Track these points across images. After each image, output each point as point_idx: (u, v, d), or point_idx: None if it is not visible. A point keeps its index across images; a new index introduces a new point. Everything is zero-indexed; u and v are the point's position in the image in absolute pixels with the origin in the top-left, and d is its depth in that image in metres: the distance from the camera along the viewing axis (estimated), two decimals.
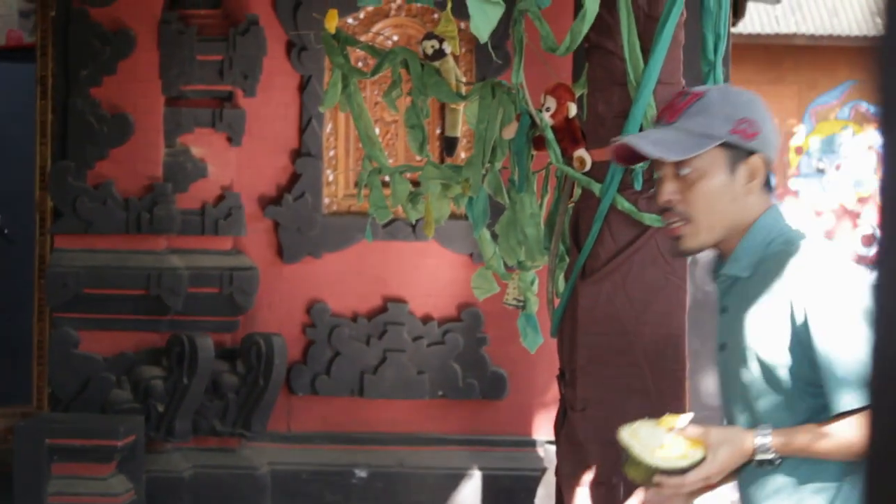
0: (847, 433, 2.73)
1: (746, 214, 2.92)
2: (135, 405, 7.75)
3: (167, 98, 7.94)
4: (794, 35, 15.51)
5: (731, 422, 3.01)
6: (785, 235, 2.90)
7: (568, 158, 4.52)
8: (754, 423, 2.88)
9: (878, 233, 1.24)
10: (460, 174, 5.07)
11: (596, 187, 4.36)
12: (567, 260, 4.68)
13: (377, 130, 6.21)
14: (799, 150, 15.99)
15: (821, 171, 15.94)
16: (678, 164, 2.90)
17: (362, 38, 7.50)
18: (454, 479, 7.90)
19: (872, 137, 15.92)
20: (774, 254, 2.85)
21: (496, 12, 4.06)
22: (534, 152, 4.82)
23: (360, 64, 7.20)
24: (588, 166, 4.45)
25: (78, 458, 7.23)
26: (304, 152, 7.99)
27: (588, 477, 4.25)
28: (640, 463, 2.80)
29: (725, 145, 2.88)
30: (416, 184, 5.39)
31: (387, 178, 5.46)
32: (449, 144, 5.70)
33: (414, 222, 6.16)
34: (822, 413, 2.78)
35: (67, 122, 7.91)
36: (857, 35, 15.56)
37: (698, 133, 2.88)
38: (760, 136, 2.90)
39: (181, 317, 7.82)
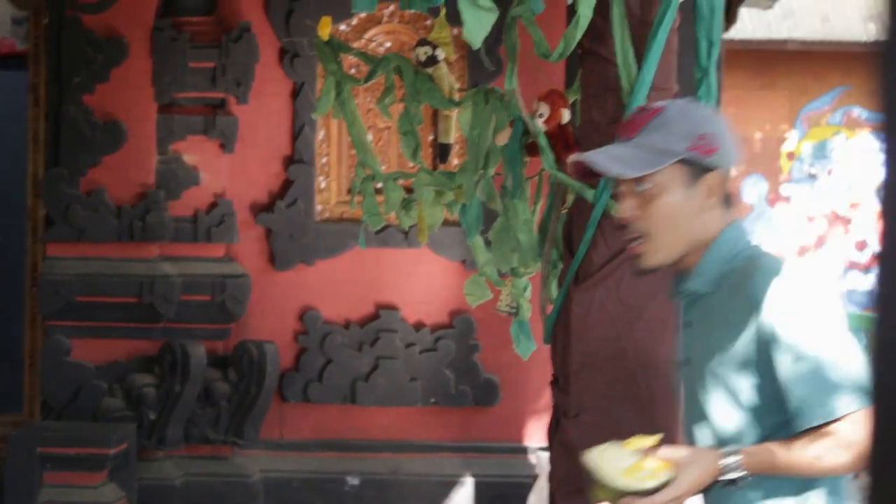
0: (816, 448, 2.71)
1: (706, 230, 2.90)
2: (127, 413, 7.74)
3: (160, 105, 7.93)
4: (786, 41, 15.50)
5: (693, 437, 2.99)
6: (747, 251, 2.88)
7: (561, 164, 4.52)
8: (717, 439, 2.87)
9: (878, 237, 1.23)
10: (453, 181, 5.07)
11: (589, 193, 4.36)
12: (560, 266, 4.68)
13: (370, 137, 6.21)
14: (791, 156, 15.99)
15: (813, 177, 15.93)
16: (637, 181, 2.88)
17: (355, 45, 7.50)
18: (447, 486, 7.89)
19: (865, 143, 15.93)
20: (737, 270, 2.84)
21: (489, 18, 4.06)
22: (527, 158, 4.83)
23: (352, 70, 7.20)
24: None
25: (70, 467, 7.21)
26: (297, 159, 7.98)
27: (581, 484, 4.25)
28: (607, 485, 2.79)
29: (684, 161, 2.86)
30: (409, 190, 5.39)
31: (380, 185, 5.46)
32: (442, 151, 5.69)
33: (407, 229, 6.15)
34: (784, 429, 2.77)
35: (60, 130, 7.89)
36: (850, 41, 15.57)
37: (656, 149, 2.86)
38: (720, 152, 2.89)
39: (173, 324, 7.81)
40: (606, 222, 4.34)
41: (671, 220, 2.88)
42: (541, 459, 7.74)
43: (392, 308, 8.01)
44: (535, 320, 5.03)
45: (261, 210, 8.01)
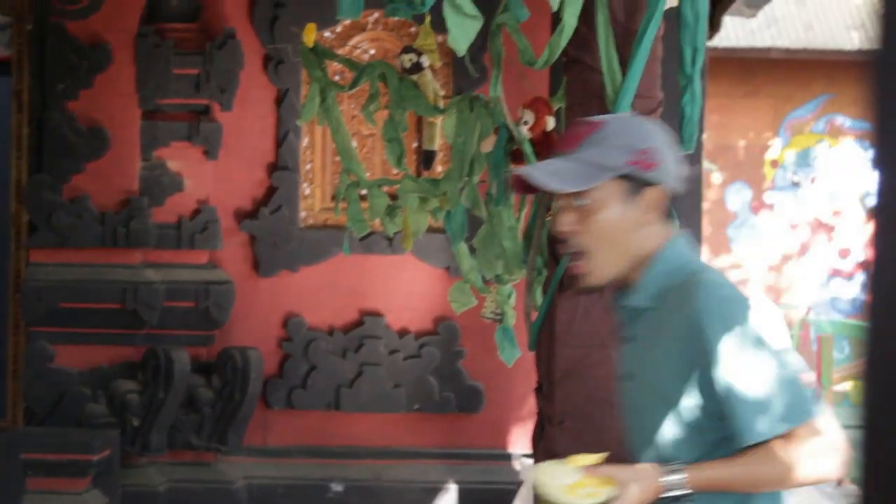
0: (759, 464, 2.71)
1: (646, 245, 2.88)
2: (110, 419, 7.72)
3: (144, 112, 7.92)
4: (770, 49, 15.56)
5: (635, 452, 2.98)
6: (688, 267, 2.86)
7: None
8: (659, 456, 2.86)
9: (870, 244, 1.24)
10: (438, 188, 5.07)
11: None
12: (545, 273, 4.68)
13: (354, 144, 6.22)
14: (774, 164, 16.04)
15: (796, 185, 15.98)
16: (576, 195, 2.85)
17: (339, 52, 7.50)
18: (430, 493, 7.89)
19: (848, 150, 15.98)
20: (680, 286, 2.81)
21: (474, 26, 4.07)
22: (511, 166, 4.83)
23: (337, 77, 7.20)
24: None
25: (53, 473, 7.20)
26: (281, 166, 7.98)
27: None
28: (550, 502, 2.78)
29: (624, 176, 2.84)
30: (393, 197, 5.39)
31: (364, 192, 5.46)
32: (427, 158, 5.70)
33: (391, 236, 6.16)
34: (726, 445, 2.76)
35: (43, 136, 7.88)
36: (833, 49, 15.62)
37: (595, 164, 2.83)
38: (660, 167, 2.85)
39: (157, 331, 7.79)
40: None
41: (610, 235, 2.85)
42: (525, 466, 7.74)
43: (376, 315, 8.01)
44: (519, 327, 5.04)
45: (245, 217, 8.01)
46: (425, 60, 5.11)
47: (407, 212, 5.24)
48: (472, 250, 5.04)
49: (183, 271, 7.89)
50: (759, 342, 2.71)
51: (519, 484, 7.75)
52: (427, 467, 7.95)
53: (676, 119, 4.50)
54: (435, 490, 7.89)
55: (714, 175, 15.85)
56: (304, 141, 8.03)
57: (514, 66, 4.60)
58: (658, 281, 2.87)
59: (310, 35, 5.22)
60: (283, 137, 7.97)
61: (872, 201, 1.24)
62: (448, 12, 4.05)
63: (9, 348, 8.18)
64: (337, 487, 7.85)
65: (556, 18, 4.23)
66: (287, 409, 7.99)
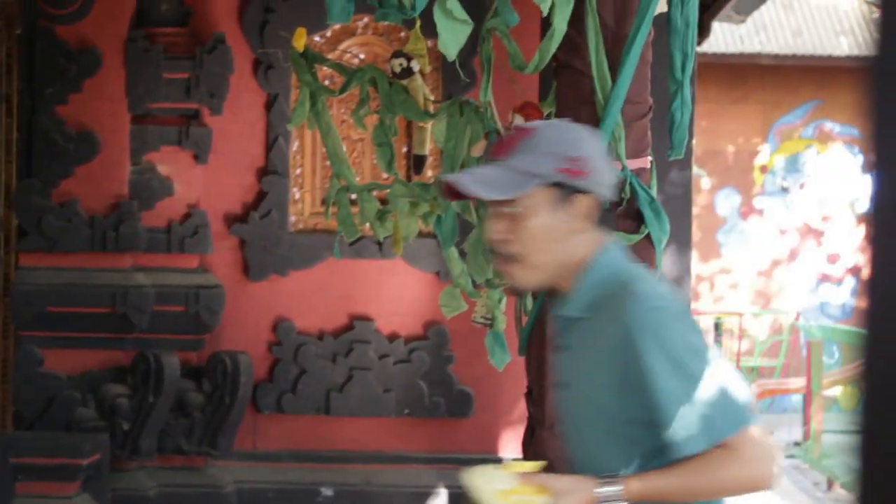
0: (694, 475, 2.71)
1: (577, 253, 2.88)
2: (100, 423, 7.71)
3: (133, 116, 7.92)
4: (759, 55, 15.59)
5: (573, 461, 2.98)
6: (620, 275, 2.84)
7: None
8: (594, 465, 2.85)
9: (867, 252, 1.25)
10: (428, 192, 5.08)
11: None
12: None
13: (344, 148, 6.22)
14: (763, 169, 16.07)
15: (785, 190, 16.01)
16: (506, 203, 2.85)
17: (329, 57, 7.50)
18: (420, 498, 7.89)
19: (837, 156, 16.02)
20: (612, 296, 2.80)
21: (464, 30, 4.07)
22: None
23: (327, 82, 7.20)
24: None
25: (43, 477, 7.19)
26: (271, 170, 7.98)
27: None
28: None
29: (554, 184, 2.82)
30: (384, 202, 5.39)
31: (354, 196, 5.46)
32: (417, 162, 5.70)
33: (381, 240, 6.15)
34: (660, 456, 2.75)
35: (33, 141, 7.88)
36: (822, 55, 15.66)
37: (524, 171, 2.82)
38: (591, 175, 2.84)
39: (147, 335, 7.79)
40: None
41: (539, 243, 2.84)
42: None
43: (366, 319, 8.01)
44: (509, 332, 5.04)
45: (235, 221, 8.01)
46: (415, 65, 5.12)
47: (397, 216, 5.25)
48: (463, 255, 5.05)
49: (173, 275, 7.89)
50: (690, 353, 2.72)
51: None
52: (417, 472, 7.96)
53: (666, 124, 4.51)
54: (425, 495, 7.89)
55: (703, 180, 15.87)
56: (294, 145, 8.04)
57: (503, 70, 4.61)
58: (590, 290, 2.86)
59: (300, 39, 5.23)
60: (273, 142, 7.97)
61: (868, 206, 1.25)
62: (438, 17, 4.06)
63: None
64: (327, 492, 7.84)
65: (546, 23, 4.24)
66: (277, 413, 7.99)
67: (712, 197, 16.02)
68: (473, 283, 5.10)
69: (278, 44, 7.76)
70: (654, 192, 4.51)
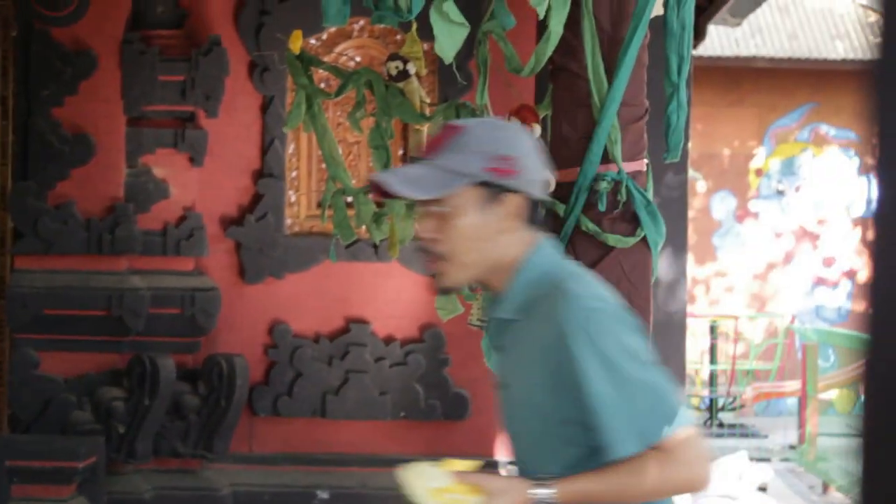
0: (628, 477, 2.70)
1: (507, 253, 2.85)
2: (96, 426, 7.71)
3: (129, 118, 7.92)
4: (754, 58, 15.61)
5: (518, 461, 2.98)
6: (553, 275, 2.81)
7: None
8: (532, 466, 2.85)
9: (871, 254, 1.25)
10: None
11: (560, 208, 4.37)
12: None
13: (340, 151, 6.21)
14: (759, 172, 16.08)
15: (780, 193, 16.02)
16: (435, 202, 2.82)
17: (325, 59, 7.50)
18: None
19: (832, 159, 16.03)
20: (543, 296, 2.78)
21: (461, 33, 4.08)
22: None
23: (323, 85, 7.20)
24: (552, 187, 4.46)
25: (38, 480, 7.18)
26: (267, 173, 7.98)
27: None
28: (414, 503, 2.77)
29: (482, 183, 2.80)
30: (380, 205, 5.39)
31: (350, 199, 5.46)
32: None
33: (378, 243, 6.16)
34: (596, 457, 2.74)
35: (28, 143, 7.88)
36: (817, 59, 15.68)
37: (451, 170, 2.80)
38: (521, 174, 2.82)
39: (142, 338, 7.79)
40: (577, 238, 4.35)
41: (467, 242, 2.82)
42: (511, 473, 7.75)
43: (362, 322, 8.01)
44: None
45: (230, 224, 8.01)
46: (412, 68, 5.11)
47: (393, 219, 5.24)
48: None
49: (168, 278, 7.88)
50: (623, 354, 2.70)
51: None
52: None
53: (662, 128, 4.52)
54: None
55: (699, 183, 15.88)
56: (290, 148, 8.04)
57: (500, 73, 4.61)
58: (522, 291, 2.84)
59: (296, 42, 5.22)
60: (269, 145, 7.97)
61: (870, 209, 1.24)
62: (435, 20, 4.06)
63: None
64: (323, 495, 7.84)
65: (543, 26, 4.24)
66: (273, 416, 7.99)
67: (708, 200, 16.03)
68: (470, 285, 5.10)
69: (274, 46, 7.77)
70: (650, 194, 4.51)
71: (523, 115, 4.67)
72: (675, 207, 7.74)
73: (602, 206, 4.33)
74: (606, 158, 4.37)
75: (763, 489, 9.90)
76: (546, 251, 2.89)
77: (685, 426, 2.70)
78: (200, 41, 7.91)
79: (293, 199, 8.06)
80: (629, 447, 2.68)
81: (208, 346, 7.93)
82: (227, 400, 7.74)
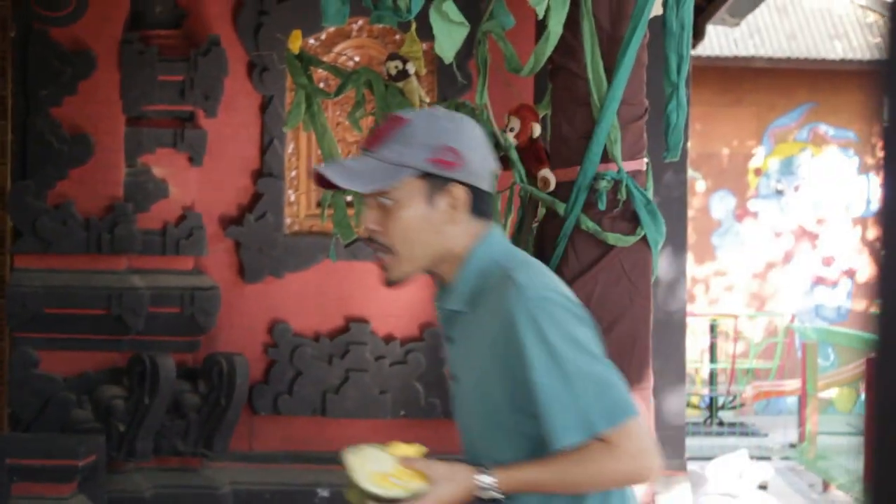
0: (571, 467, 2.70)
1: (453, 245, 2.84)
2: (96, 425, 7.71)
3: (128, 118, 7.92)
4: (753, 58, 15.61)
5: (465, 452, 2.97)
6: (500, 265, 2.80)
7: (532, 178, 4.55)
8: (483, 456, 2.85)
9: (878, 252, 1.25)
10: None
11: (560, 207, 4.38)
12: None
13: (340, 150, 6.21)
14: (758, 172, 16.09)
15: (780, 193, 16.03)
16: (379, 194, 2.81)
17: (324, 59, 7.51)
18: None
19: (831, 159, 16.04)
20: (490, 287, 2.78)
21: (461, 33, 4.08)
22: (498, 173, 4.83)
23: (322, 84, 7.21)
24: (552, 186, 4.47)
25: (39, 478, 7.18)
26: (266, 172, 7.99)
27: None
28: (356, 486, 2.76)
29: (425, 175, 2.79)
30: None
31: (350, 198, 5.47)
32: None
33: None
34: (543, 449, 2.73)
35: (27, 143, 7.88)
36: (816, 58, 15.69)
37: (393, 162, 2.78)
38: (464, 165, 2.80)
39: (142, 336, 7.79)
40: (578, 236, 4.36)
41: (410, 234, 2.81)
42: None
43: (362, 321, 8.01)
44: None
45: (230, 223, 8.01)
46: (411, 67, 5.11)
47: None
48: None
49: (168, 277, 7.89)
50: (570, 344, 2.69)
51: None
52: None
53: (661, 127, 4.52)
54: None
55: (698, 183, 15.89)
56: (290, 148, 8.04)
57: (499, 72, 4.62)
58: (470, 282, 2.84)
59: (295, 42, 5.23)
60: (268, 144, 7.98)
61: (878, 208, 1.25)
62: (434, 19, 4.07)
63: None
64: (323, 493, 7.84)
65: (542, 26, 4.25)
66: (273, 414, 7.99)
67: (707, 199, 16.04)
68: None
69: (273, 46, 7.78)
70: (650, 193, 4.52)
71: (523, 114, 4.68)
72: (675, 207, 7.75)
73: (602, 205, 4.34)
74: (606, 158, 4.38)
75: (763, 487, 9.92)
76: (494, 242, 2.87)
77: (632, 418, 2.68)
78: (199, 41, 7.91)
79: (293, 198, 8.07)
80: (572, 437, 2.67)
81: (208, 345, 7.94)
82: (228, 398, 7.74)
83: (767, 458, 11.52)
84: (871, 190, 15.72)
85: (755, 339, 15.61)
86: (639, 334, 4.38)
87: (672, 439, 7.78)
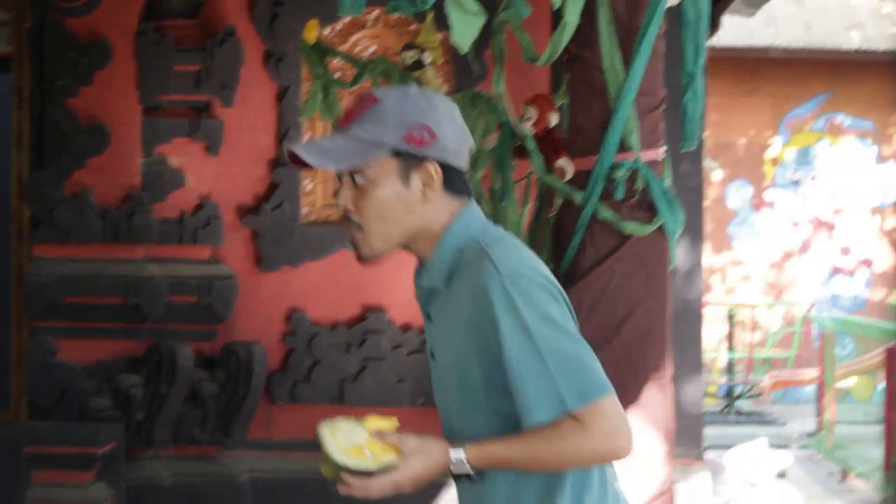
0: (541, 443, 2.70)
1: (428, 222, 2.85)
2: (114, 413, 7.74)
3: (144, 108, 7.93)
4: (769, 48, 15.56)
5: (446, 431, 2.97)
6: (477, 242, 2.80)
7: (549, 168, 4.55)
8: (459, 433, 2.86)
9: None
10: None
11: (577, 196, 4.39)
12: (550, 268, 4.69)
13: None
14: (774, 162, 16.05)
15: (796, 183, 16.00)
16: (353, 173, 2.82)
17: (339, 49, 7.51)
18: (435, 486, 7.90)
19: (848, 149, 16.00)
20: (466, 264, 2.79)
21: (477, 23, 4.09)
22: (515, 162, 4.85)
23: (337, 74, 7.22)
24: (569, 175, 4.48)
25: (58, 466, 7.21)
26: (282, 162, 7.99)
27: None
28: (329, 458, 2.75)
29: (398, 153, 2.79)
30: None
31: None
32: None
33: None
34: (519, 425, 2.73)
35: (44, 133, 7.89)
36: (832, 49, 15.64)
37: (367, 141, 2.79)
38: (437, 142, 2.80)
39: (160, 325, 7.81)
40: (595, 226, 4.36)
41: (382, 212, 2.82)
42: None
43: (379, 310, 8.02)
44: None
45: (246, 212, 8.02)
46: (427, 57, 5.12)
47: None
48: None
49: (185, 266, 7.90)
50: (544, 322, 2.68)
51: None
52: None
53: (678, 117, 4.53)
54: (439, 484, 7.90)
55: (715, 172, 15.87)
56: (306, 137, 8.05)
57: (515, 62, 4.62)
58: (447, 259, 2.85)
59: (312, 32, 5.24)
60: (285, 134, 7.99)
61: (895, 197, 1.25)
62: (451, 9, 4.07)
63: (12, 343, 8.21)
64: None
65: (558, 16, 4.26)
66: (291, 403, 8.00)
67: (723, 189, 16.01)
68: None
69: (289, 36, 7.78)
70: (667, 183, 4.52)
71: (540, 103, 4.69)
72: (692, 196, 7.75)
73: (619, 195, 4.35)
74: (623, 147, 4.38)
75: (782, 476, 9.91)
76: (471, 219, 2.88)
77: (605, 397, 2.68)
78: (215, 31, 7.92)
79: (309, 187, 8.08)
80: (544, 414, 2.68)
81: (225, 334, 7.95)
82: (245, 387, 7.76)
83: (785, 447, 11.50)
84: (889, 179, 15.69)
85: (772, 329, 15.59)
86: (656, 323, 4.39)
87: (690, 428, 7.78)
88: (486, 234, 2.84)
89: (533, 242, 4.82)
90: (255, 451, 7.94)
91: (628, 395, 4.24)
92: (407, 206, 2.82)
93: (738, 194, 16.02)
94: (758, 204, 16.01)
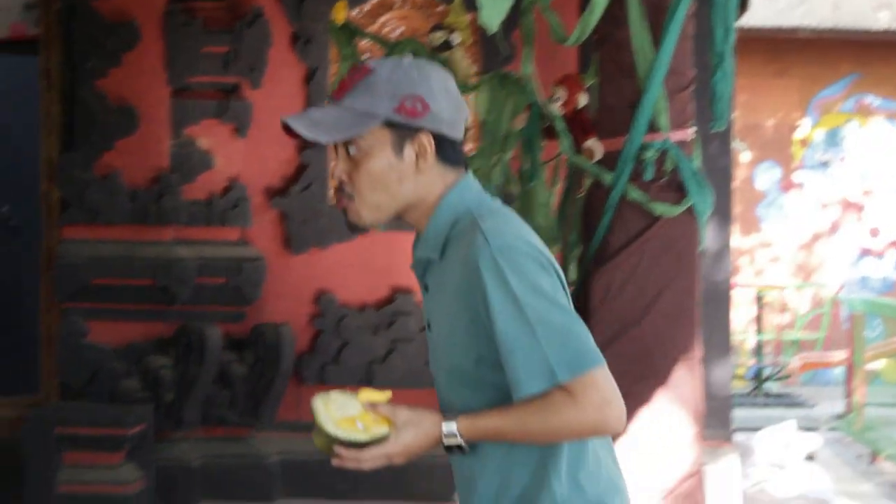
0: (532, 415, 2.68)
1: (423, 193, 2.84)
2: (144, 395, 7.76)
3: (173, 90, 7.95)
4: (798, 29, 15.50)
5: (440, 403, 2.95)
6: (471, 213, 2.79)
7: (578, 148, 4.55)
8: (451, 405, 2.85)
9: None
10: (470, 164, 5.09)
11: (606, 177, 4.38)
12: (579, 249, 4.69)
13: None
14: (803, 143, 16.00)
15: (825, 164, 15.94)
16: (346, 144, 2.81)
17: (368, 31, 7.51)
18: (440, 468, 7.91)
19: (877, 130, 15.93)
20: (460, 234, 2.78)
21: (506, 4, 4.08)
22: (544, 142, 4.84)
23: (366, 55, 7.21)
24: (598, 156, 4.47)
25: (88, 447, 7.24)
26: (310, 144, 7.99)
27: None
28: (321, 430, 2.75)
29: (391, 124, 2.77)
30: None
31: None
32: None
33: None
34: (510, 396, 2.71)
35: (73, 115, 7.92)
36: (861, 29, 15.56)
37: (360, 112, 2.77)
38: (431, 113, 2.78)
39: (189, 307, 7.83)
40: (624, 207, 4.36)
41: (375, 183, 2.80)
42: None
43: (407, 292, 8.03)
44: None
45: (275, 194, 8.04)
46: (455, 38, 5.12)
47: None
48: None
49: (214, 248, 7.92)
50: (534, 293, 2.67)
51: None
52: None
53: (706, 98, 4.52)
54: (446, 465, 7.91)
55: (743, 154, 15.82)
56: None
57: (544, 43, 4.61)
58: (441, 230, 2.84)
59: (340, 12, 5.24)
60: None
61: None
62: None
63: (42, 325, 8.25)
64: None
65: None
66: (320, 384, 8.01)
67: (752, 171, 15.96)
68: None
69: (316, 17, 7.78)
70: (697, 163, 4.51)
71: (569, 84, 4.68)
72: (720, 177, 7.72)
73: (649, 175, 4.34)
74: (653, 127, 4.38)
75: (811, 458, 9.89)
76: (466, 189, 2.86)
77: (596, 368, 2.66)
78: (243, 12, 7.93)
79: None
80: (534, 385, 2.66)
81: (254, 316, 7.97)
82: (274, 368, 7.78)
83: (814, 429, 11.48)
84: None
85: (801, 311, 15.55)
86: (685, 305, 4.38)
87: (718, 410, 7.77)
88: (480, 206, 2.82)
89: (562, 223, 4.82)
90: (284, 432, 7.96)
91: (657, 377, 4.23)
92: (400, 176, 2.81)
93: (766, 176, 15.97)
94: (786, 185, 15.95)
